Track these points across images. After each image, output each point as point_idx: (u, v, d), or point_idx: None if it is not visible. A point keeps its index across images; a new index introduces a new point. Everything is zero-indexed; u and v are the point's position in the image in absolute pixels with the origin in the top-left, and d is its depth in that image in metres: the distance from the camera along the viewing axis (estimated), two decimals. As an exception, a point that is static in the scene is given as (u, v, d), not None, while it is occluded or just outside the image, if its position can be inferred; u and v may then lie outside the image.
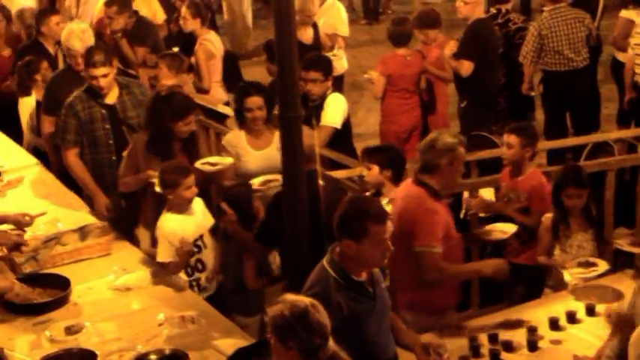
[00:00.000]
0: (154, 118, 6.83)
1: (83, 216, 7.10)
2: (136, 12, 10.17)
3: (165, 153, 6.73)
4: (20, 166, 8.13)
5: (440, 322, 5.64)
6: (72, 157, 7.31)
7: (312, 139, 6.00)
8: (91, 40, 7.86)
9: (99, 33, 10.35)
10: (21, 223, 6.51)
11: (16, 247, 6.22)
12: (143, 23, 10.25)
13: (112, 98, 7.29)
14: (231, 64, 10.20)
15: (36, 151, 8.49)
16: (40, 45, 9.44)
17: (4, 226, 6.50)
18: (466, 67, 8.92)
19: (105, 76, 7.16)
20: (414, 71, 9.03)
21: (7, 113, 9.49)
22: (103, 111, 7.25)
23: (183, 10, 9.81)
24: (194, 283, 6.29)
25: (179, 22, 10.18)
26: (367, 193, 6.14)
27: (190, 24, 9.67)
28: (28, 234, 6.63)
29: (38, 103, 8.36)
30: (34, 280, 6.08)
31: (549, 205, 6.31)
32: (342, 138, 7.81)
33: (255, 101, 6.95)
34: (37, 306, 5.85)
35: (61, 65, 9.25)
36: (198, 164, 6.74)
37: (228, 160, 6.89)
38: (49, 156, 8.20)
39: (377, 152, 6.35)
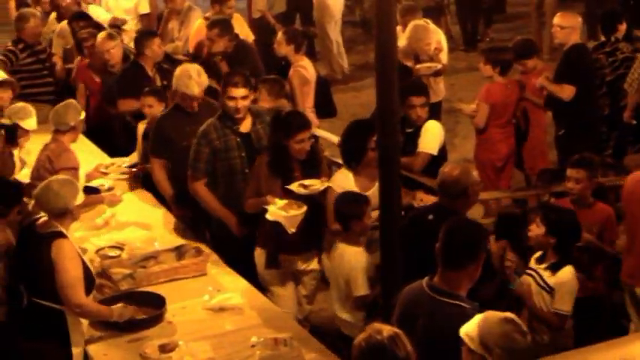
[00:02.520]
0: (273, 137, 6.82)
1: (180, 236, 7.20)
2: (237, 35, 10.23)
3: (286, 173, 6.70)
4: (119, 184, 8.22)
5: None
6: (200, 187, 7.18)
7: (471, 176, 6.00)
8: (206, 82, 7.76)
9: (195, 55, 10.51)
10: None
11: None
12: (243, 47, 10.29)
13: (245, 127, 7.20)
14: (323, 89, 10.23)
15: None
16: (140, 67, 9.40)
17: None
18: (568, 91, 8.79)
19: (244, 98, 7.10)
20: (513, 100, 8.96)
21: (106, 132, 9.73)
22: (238, 139, 7.14)
23: (279, 36, 9.87)
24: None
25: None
26: None
27: (284, 49, 9.70)
28: (126, 253, 6.76)
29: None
30: (130, 297, 6.16)
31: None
32: (437, 165, 7.76)
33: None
34: (132, 323, 5.93)
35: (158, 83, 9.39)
36: (293, 187, 6.66)
37: (323, 184, 6.75)
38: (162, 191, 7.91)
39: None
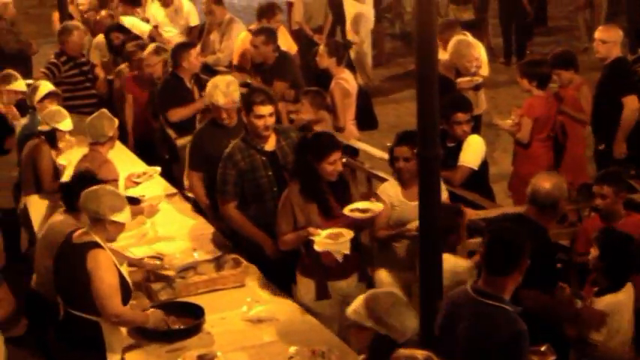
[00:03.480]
0: (302, 161, 6.65)
1: (219, 247, 7.21)
2: (279, 47, 10.26)
3: (321, 197, 6.56)
4: (159, 194, 8.30)
5: None
6: (231, 210, 7.11)
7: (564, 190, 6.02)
8: (236, 93, 7.60)
9: (240, 67, 10.57)
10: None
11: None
12: (285, 58, 10.34)
13: (270, 145, 7.12)
14: (364, 101, 10.23)
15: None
16: (179, 79, 9.43)
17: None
18: (631, 102, 8.76)
19: (271, 115, 7.02)
20: (553, 113, 8.90)
21: (149, 144, 9.83)
22: (264, 158, 7.06)
23: (321, 48, 9.89)
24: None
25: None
26: None
27: (325, 61, 9.71)
28: (165, 263, 6.79)
29: None
30: (169, 307, 6.20)
31: None
32: (478, 179, 7.77)
33: (403, 151, 6.80)
34: (171, 333, 5.96)
35: (197, 97, 9.46)
36: (347, 211, 6.53)
37: (378, 207, 6.63)
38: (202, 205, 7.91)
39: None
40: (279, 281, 6.73)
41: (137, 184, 8.13)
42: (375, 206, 6.59)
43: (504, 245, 4.90)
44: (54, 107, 8.69)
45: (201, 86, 9.42)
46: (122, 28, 11.37)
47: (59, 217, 6.71)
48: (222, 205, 7.16)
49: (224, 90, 7.56)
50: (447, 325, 4.98)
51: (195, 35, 12.55)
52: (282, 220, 6.62)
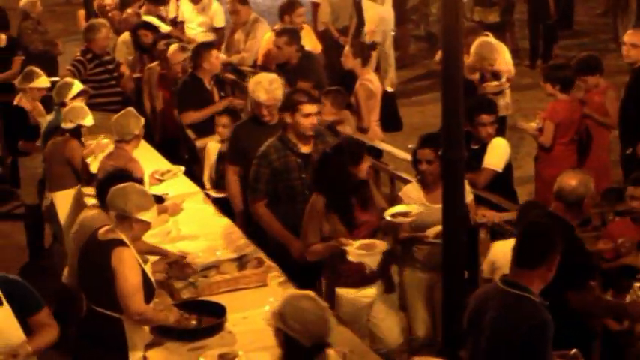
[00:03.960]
0: (330, 172, 6.55)
1: (241, 246, 7.18)
2: (302, 47, 10.27)
3: (346, 208, 6.52)
4: (182, 193, 8.30)
5: None
6: (261, 208, 7.13)
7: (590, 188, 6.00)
8: (278, 91, 7.62)
9: (263, 67, 10.57)
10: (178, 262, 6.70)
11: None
12: (309, 58, 10.34)
13: (307, 147, 7.12)
14: (389, 103, 10.22)
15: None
16: (199, 80, 9.46)
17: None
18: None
19: (318, 113, 7.06)
20: (577, 118, 8.86)
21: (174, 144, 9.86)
22: (299, 160, 7.06)
23: (346, 49, 9.90)
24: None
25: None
26: None
27: (350, 62, 9.72)
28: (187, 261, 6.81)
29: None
30: (190, 306, 6.20)
31: None
32: (502, 181, 7.76)
33: (425, 154, 6.79)
34: (193, 331, 5.96)
35: (216, 98, 9.46)
36: (387, 216, 6.52)
37: (417, 209, 6.59)
38: (233, 205, 7.97)
39: None
40: (303, 282, 6.73)
41: (161, 181, 8.15)
42: (413, 208, 6.58)
43: (535, 238, 4.98)
44: (77, 104, 8.70)
45: (222, 87, 9.45)
46: (150, 26, 11.39)
47: (91, 212, 6.74)
48: (252, 203, 7.17)
49: (266, 87, 7.56)
50: (475, 317, 5.06)
51: (221, 36, 12.59)
52: (309, 229, 6.58)
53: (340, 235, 6.41)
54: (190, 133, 9.39)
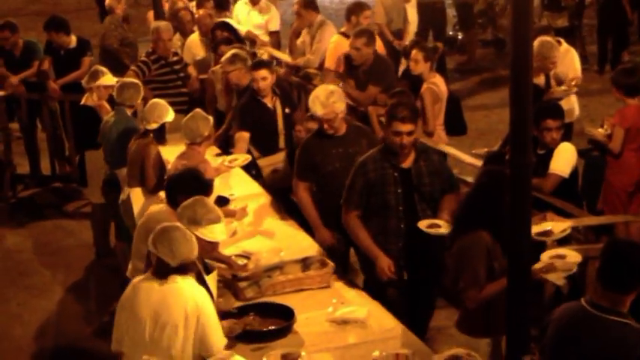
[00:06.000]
0: (487, 209, 6.01)
1: (305, 247, 7.21)
2: (375, 51, 10.21)
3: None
4: (248, 194, 8.34)
5: None
6: (352, 219, 6.95)
7: None
8: (338, 104, 7.47)
9: (332, 70, 10.56)
10: (233, 267, 6.73)
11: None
12: (382, 61, 10.27)
13: (407, 162, 6.90)
14: (454, 107, 10.16)
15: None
16: (259, 103, 9.08)
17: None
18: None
19: (410, 133, 6.75)
20: (645, 123, 8.76)
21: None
22: (396, 174, 6.83)
23: (414, 52, 9.67)
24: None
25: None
26: None
27: (421, 67, 9.58)
28: (252, 262, 6.84)
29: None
30: (255, 308, 6.24)
31: None
32: (568, 187, 7.68)
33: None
34: (262, 334, 5.97)
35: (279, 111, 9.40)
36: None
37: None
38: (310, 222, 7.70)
39: None
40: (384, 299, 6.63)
41: (230, 167, 8.28)
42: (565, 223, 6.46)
43: (626, 262, 4.67)
44: (153, 102, 8.53)
45: (285, 92, 9.33)
46: (227, 26, 11.37)
47: (158, 206, 6.78)
48: (345, 213, 7.01)
49: (323, 101, 7.44)
50: (563, 343, 4.81)
51: (275, 40, 12.61)
52: (480, 272, 5.92)
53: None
54: (253, 150, 9.18)
